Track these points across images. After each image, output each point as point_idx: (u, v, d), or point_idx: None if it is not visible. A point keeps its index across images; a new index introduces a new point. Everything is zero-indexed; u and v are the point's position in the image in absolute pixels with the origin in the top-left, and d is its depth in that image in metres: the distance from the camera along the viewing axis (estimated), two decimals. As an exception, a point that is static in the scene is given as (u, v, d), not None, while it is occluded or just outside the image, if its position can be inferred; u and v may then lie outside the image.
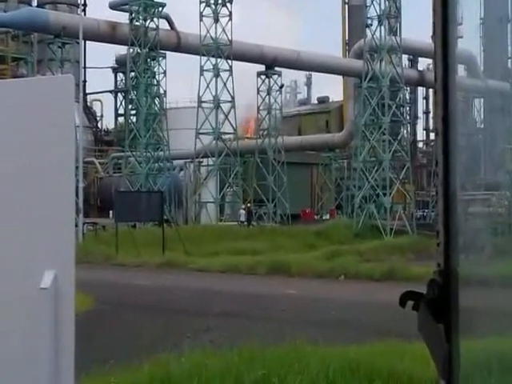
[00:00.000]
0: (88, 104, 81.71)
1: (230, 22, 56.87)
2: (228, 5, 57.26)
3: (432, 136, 77.75)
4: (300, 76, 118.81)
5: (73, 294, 2.76)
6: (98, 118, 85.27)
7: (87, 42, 63.76)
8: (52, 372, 2.72)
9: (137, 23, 56.69)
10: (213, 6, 56.80)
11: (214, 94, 57.03)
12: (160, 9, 57.09)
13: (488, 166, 50.80)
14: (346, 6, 79.01)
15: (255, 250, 36.49)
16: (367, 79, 51.67)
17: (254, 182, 60.66)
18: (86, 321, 15.25)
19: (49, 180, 2.84)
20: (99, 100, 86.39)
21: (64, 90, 2.86)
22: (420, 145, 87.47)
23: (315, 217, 67.94)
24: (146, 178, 55.81)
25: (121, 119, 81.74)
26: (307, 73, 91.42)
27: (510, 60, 66.66)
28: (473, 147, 54.51)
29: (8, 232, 2.90)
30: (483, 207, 36.10)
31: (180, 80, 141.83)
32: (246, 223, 55.08)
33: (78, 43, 52.58)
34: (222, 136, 58.20)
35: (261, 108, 63.29)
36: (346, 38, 78.85)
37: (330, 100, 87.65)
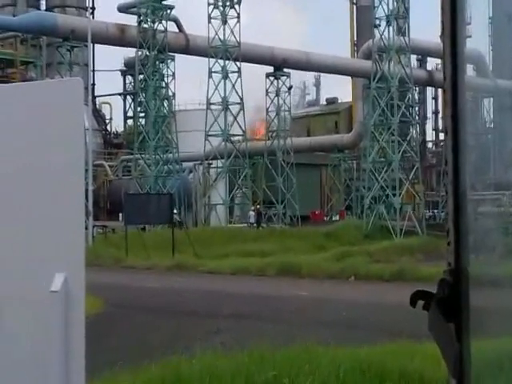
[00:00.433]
0: (97, 107, 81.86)
1: (238, 24, 56.94)
2: (236, 6, 57.32)
3: (441, 136, 77.59)
4: (309, 77, 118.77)
5: (83, 297, 2.76)
6: (107, 121, 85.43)
7: (96, 45, 63.86)
8: (62, 375, 2.72)
9: (145, 26, 56.77)
10: (221, 8, 56.84)
11: (222, 95, 57.06)
12: (168, 11, 57.17)
13: (498, 165, 50.67)
14: (354, 6, 79.02)
15: (265, 251, 36.48)
16: (376, 80, 51.59)
17: (263, 184, 60.65)
18: (96, 323, 15.27)
19: (58, 183, 2.84)
20: (108, 103, 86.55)
21: (73, 93, 2.87)
22: (429, 145, 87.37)
23: (325, 218, 67.87)
24: (156, 180, 55.86)
25: (130, 122, 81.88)
26: (316, 74, 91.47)
27: (519, 59, 66.41)
28: (482, 147, 54.41)
29: (18, 235, 2.91)
30: (493, 207, 36.02)
31: (189, 82, 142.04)
32: (255, 225, 55.06)
33: (86, 46, 52.72)
34: (231, 138, 58.22)
35: (269, 109, 63.28)
36: (355, 38, 78.84)
37: (339, 101, 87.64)
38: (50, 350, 2.74)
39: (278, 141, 62.40)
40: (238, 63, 57.04)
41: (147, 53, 56.79)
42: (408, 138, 53.34)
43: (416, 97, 70.79)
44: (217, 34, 56.42)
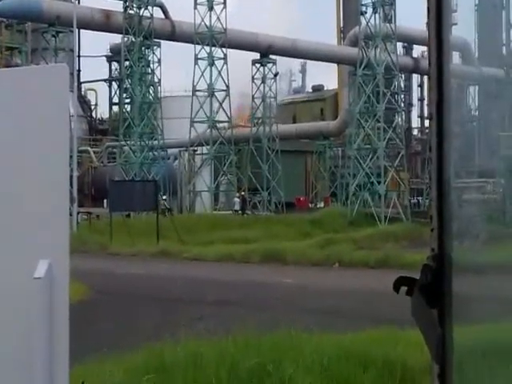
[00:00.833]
0: (82, 93, 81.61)
1: (224, 10, 56.77)
2: (222, -7, 57.14)
3: (427, 123, 77.71)
4: (295, 64, 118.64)
5: (67, 284, 2.75)
6: (93, 107, 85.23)
7: (81, 30, 63.62)
8: (47, 361, 2.72)
9: (131, 12, 56.57)
10: (207, -6, 56.65)
11: (208, 82, 56.96)
12: (154, -3, 56.97)
13: (482, 152, 50.85)
14: (341, -7, 78.87)
15: (250, 238, 36.53)
16: (362, 67, 51.63)
17: (248, 171, 60.65)
18: (80, 310, 15.26)
19: (43, 169, 2.83)
20: (93, 89, 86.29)
21: (58, 79, 2.85)
22: (415, 132, 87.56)
23: (310, 205, 67.97)
24: (141, 167, 55.78)
25: (115, 108, 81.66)
26: (302, 61, 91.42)
27: (504, 47, 66.60)
28: (467, 134, 54.57)
29: (1, 221, 2.90)
30: (478, 194, 36.17)
31: (174, 69, 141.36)
32: (240, 212, 55.09)
33: (72, 32, 52.45)
34: (217, 124, 58.14)
35: (255, 96, 63.22)
36: (341, 25, 78.76)
37: (325, 88, 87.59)
38: (34, 338, 2.74)
39: (263, 128, 62.38)
40: (224, 50, 56.93)
41: (133, 39, 56.61)
42: (393, 125, 53.45)
43: (402, 84, 70.83)
44: (203, 20, 56.27)
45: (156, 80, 58.28)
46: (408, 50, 77.75)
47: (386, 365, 9.74)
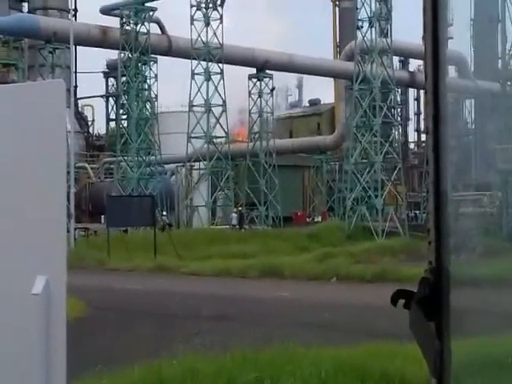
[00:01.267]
0: (79, 109, 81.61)
1: (220, 26, 56.91)
2: (219, 8, 57.25)
3: (423, 137, 77.85)
4: (291, 79, 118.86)
5: (64, 300, 2.75)
6: (90, 123, 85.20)
7: (78, 47, 63.67)
8: (44, 377, 2.72)
9: (128, 28, 56.69)
10: (204, 10, 56.73)
11: (205, 97, 57.01)
12: (151, 13, 57.11)
13: (479, 166, 50.89)
14: (337, 8, 79.12)
15: (247, 253, 36.48)
16: (358, 81, 51.70)
17: (245, 186, 60.63)
18: (77, 326, 15.22)
19: (40, 185, 2.83)
20: (90, 105, 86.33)
21: (55, 95, 2.86)
22: (411, 146, 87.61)
23: (307, 219, 67.92)
24: (138, 182, 55.76)
25: (112, 124, 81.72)
26: (298, 75, 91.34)
27: (500, 60, 66.79)
28: (464, 147, 54.63)
29: (0, 237, 2.90)
30: (475, 207, 36.18)
31: (171, 84, 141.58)
32: (237, 227, 55.04)
33: (68, 48, 52.50)
34: (214, 140, 58.17)
35: (252, 111, 63.27)
36: (337, 40, 78.93)
37: (322, 102, 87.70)
38: (32, 354, 2.73)
39: (260, 142, 62.41)
40: (220, 65, 57.01)
41: (130, 55, 56.71)
42: (390, 139, 53.50)
43: (398, 98, 70.97)
44: (199, 35, 56.36)
45: (153, 95, 58.37)
46: (404, 64, 77.94)
47: (384, 378, 9.73)
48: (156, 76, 58.05)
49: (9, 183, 2.90)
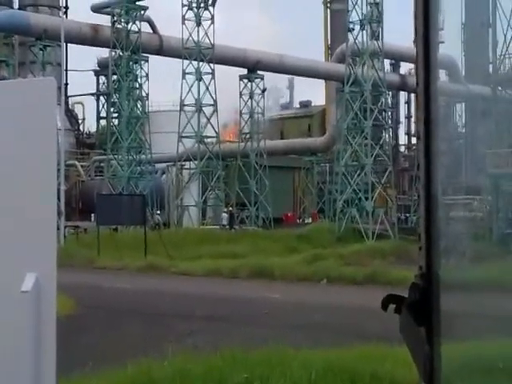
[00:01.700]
0: (70, 107, 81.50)
1: (212, 26, 56.88)
2: (210, 8, 57.24)
3: (414, 140, 77.94)
4: (282, 80, 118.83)
5: (54, 297, 2.75)
6: (80, 121, 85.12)
7: (69, 44, 63.58)
8: (34, 375, 2.71)
9: (119, 26, 56.64)
10: (195, 10, 56.71)
11: (196, 97, 56.97)
12: (142, 12, 57.09)
13: (469, 170, 51.00)
14: (328, 10, 79.20)
15: (237, 253, 36.47)
16: (349, 83, 51.76)
17: (236, 186, 60.63)
18: (67, 324, 15.20)
19: (30, 182, 2.83)
20: (81, 103, 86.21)
21: (46, 92, 2.85)
22: (402, 149, 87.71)
23: (297, 220, 67.95)
24: (128, 181, 55.69)
25: (103, 122, 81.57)
26: (289, 76, 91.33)
27: (491, 65, 66.99)
28: (454, 151, 54.75)
29: (-11, 235, 2.89)
30: (465, 211, 36.26)
31: (162, 83, 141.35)
32: (228, 227, 55.04)
33: (59, 46, 52.44)
34: (205, 139, 58.15)
35: (243, 112, 63.29)
36: (329, 42, 79.01)
37: (313, 104, 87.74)
38: (21, 351, 2.73)
39: (251, 143, 62.44)
40: (211, 65, 56.99)
41: (121, 53, 56.66)
42: (381, 142, 53.54)
43: (389, 101, 71.02)
44: (191, 35, 56.31)
45: (144, 94, 58.35)
46: (395, 67, 77.99)
47: (374, 381, 9.74)
48: (147, 75, 58.08)
49: (-1, 181, 2.89)
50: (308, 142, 72.43)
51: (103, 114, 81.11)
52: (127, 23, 56.32)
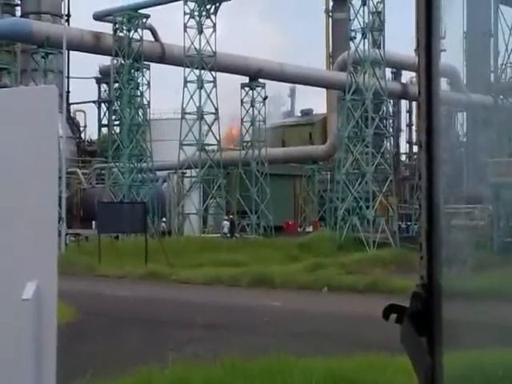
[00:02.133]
0: (71, 114, 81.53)
1: (213, 34, 56.99)
2: (212, 16, 57.35)
3: (415, 149, 77.95)
4: (284, 88, 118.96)
5: (55, 305, 2.75)
6: (82, 129, 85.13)
7: (71, 52, 63.65)
8: (34, 383, 2.71)
9: (121, 34, 56.74)
10: (197, 18, 56.81)
11: (197, 105, 57.01)
12: (144, 20, 57.20)
13: (471, 179, 51.00)
14: (330, 18, 79.33)
15: (238, 261, 36.43)
16: (351, 92, 51.79)
17: (237, 194, 60.63)
18: (68, 332, 15.18)
19: (31, 190, 2.83)
20: (83, 110, 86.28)
21: (48, 100, 2.85)
22: (403, 158, 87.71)
23: (298, 229, 67.91)
24: (129, 189, 55.71)
25: (104, 130, 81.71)
26: (291, 85, 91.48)
27: (492, 74, 67.06)
28: (456, 160, 54.75)
29: (-10, 243, 2.89)
30: (466, 220, 36.23)
31: (164, 91, 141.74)
32: (229, 235, 55.01)
33: (61, 53, 52.49)
34: (206, 147, 58.17)
35: (244, 120, 63.33)
36: (330, 50, 79.12)
37: (314, 112, 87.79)
38: (22, 359, 2.72)
39: (252, 151, 62.46)
40: (213, 73, 57.05)
41: (122, 61, 56.75)
42: (382, 151, 53.54)
43: (390, 109, 71.09)
44: (192, 43, 56.41)
45: (145, 102, 58.43)
46: (397, 76, 78.05)
47: (374, 390, 9.71)
48: (149, 83, 58.19)
49: (0, 188, 2.89)
50: (309, 150, 72.44)
51: (105, 121, 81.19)
52: (129, 31, 56.45)
